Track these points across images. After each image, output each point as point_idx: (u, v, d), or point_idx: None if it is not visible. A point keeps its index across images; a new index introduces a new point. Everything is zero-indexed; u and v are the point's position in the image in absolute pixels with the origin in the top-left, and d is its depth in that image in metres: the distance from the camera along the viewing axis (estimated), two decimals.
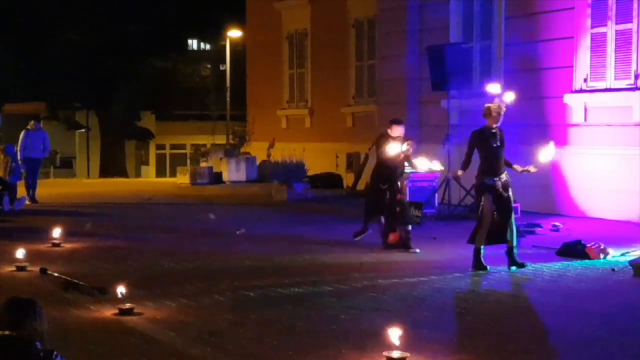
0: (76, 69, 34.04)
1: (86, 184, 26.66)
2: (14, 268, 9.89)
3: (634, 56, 14.08)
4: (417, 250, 11.15)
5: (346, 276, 9.42)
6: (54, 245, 11.64)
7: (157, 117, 44.20)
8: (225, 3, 33.84)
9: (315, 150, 21.64)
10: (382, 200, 11.46)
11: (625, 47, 14.22)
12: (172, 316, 7.59)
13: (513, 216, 9.92)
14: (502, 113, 9.91)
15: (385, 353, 6.00)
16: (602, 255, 10.49)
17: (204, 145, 33.43)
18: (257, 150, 23.03)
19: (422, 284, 9.10)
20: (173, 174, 31.40)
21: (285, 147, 21.30)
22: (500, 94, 10.63)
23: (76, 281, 8.80)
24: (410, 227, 11.46)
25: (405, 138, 11.51)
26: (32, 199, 17.82)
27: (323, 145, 22.14)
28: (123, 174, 36.61)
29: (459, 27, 17.38)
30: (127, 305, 7.66)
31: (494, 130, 9.87)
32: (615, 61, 14.42)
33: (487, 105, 10.04)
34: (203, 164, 23.79)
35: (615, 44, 14.37)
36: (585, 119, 14.87)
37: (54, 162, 35.09)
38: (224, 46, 31.17)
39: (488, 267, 9.67)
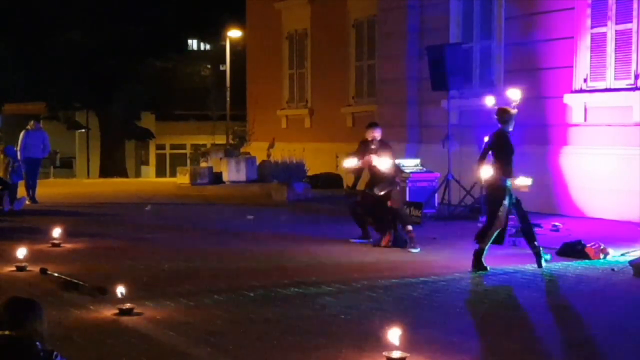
0: (76, 69, 34.06)
1: (86, 184, 26.68)
2: (14, 268, 9.89)
3: (634, 56, 14.08)
4: (417, 250, 11.16)
5: (346, 276, 9.41)
6: (54, 245, 11.64)
7: (157, 117, 44.23)
8: (225, 3, 33.86)
9: (315, 150, 21.65)
10: (367, 205, 11.72)
11: (625, 47, 14.22)
12: (172, 316, 7.59)
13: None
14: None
15: (385, 353, 6.00)
16: (602, 255, 10.49)
17: (204, 145, 33.48)
18: (257, 150, 23.03)
19: (422, 284, 9.09)
20: (173, 174, 31.40)
21: (285, 147, 21.29)
22: (513, 99, 10.93)
23: (76, 281, 8.80)
24: (411, 227, 11.49)
25: (380, 142, 11.85)
26: (32, 199, 17.83)
27: (323, 145, 22.14)
28: (123, 174, 36.63)
29: (459, 27, 17.38)
30: (127, 305, 7.65)
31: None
32: (615, 61, 14.42)
33: (507, 108, 10.22)
34: (203, 164, 23.79)
35: (615, 44, 14.37)
36: (585, 119, 14.87)
37: (54, 162, 35.12)
38: (224, 46, 31.16)
39: (488, 268, 9.68)
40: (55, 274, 9.31)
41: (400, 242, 11.39)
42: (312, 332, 7.03)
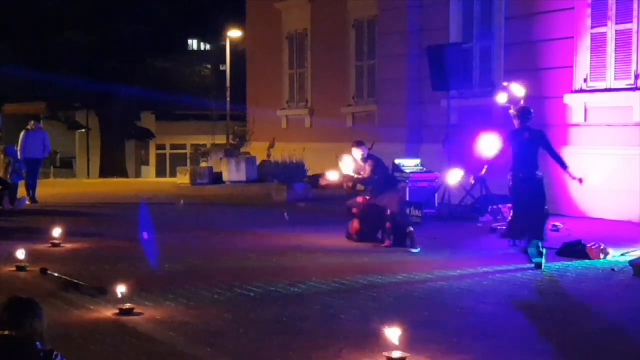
0: (76, 69, 34.03)
1: (86, 184, 26.68)
2: (14, 268, 9.89)
3: (633, 56, 14.09)
4: (417, 250, 11.16)
5: (346, 276, 9.42)
6: (54, 245, 11.64)
7: (157, 117, 44.19)
8: (225, 3, 33.86)
9: (315, 150, 21.63)
10: (366, 216, 11.91)
11: (625, 47, 14.23)
12: (172, 316, 7.59)
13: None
14: None
15: (385, 353, 6.00)
16: (602, 255, 10.49)
17: (204, 145, 33.43)
18: (257, 150, 23.03)
19: (422, 284, 9.10)
20: (173, 174, 31.38)
21: (285, 147, 21.27)
22: (518, 95, 11.18)
23: (76, 281, 8.80)
24: (412, 228, 11.49)
25: (364, 159, 11.94)
26: (32, 199, 17.82)
27: (323, 145, 22.12)
28: (123, 174, 36.61)
29: (459, 27, 17.39)
30: (127, 305, 7.65)
31: None
32: (615, 61, 14.43)
33: (526, 106, 10.48)
34: (203, 164, 23.79)
35: (615, 44, 14.38)
36: (585, 119, 14.88)
37: (54, 162, 35.12)
38: (224, 46, 31.16)
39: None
40: (55, 274, 9.31)
41: (400, 242, 11.38)
42: (312, 332, 7.03)
